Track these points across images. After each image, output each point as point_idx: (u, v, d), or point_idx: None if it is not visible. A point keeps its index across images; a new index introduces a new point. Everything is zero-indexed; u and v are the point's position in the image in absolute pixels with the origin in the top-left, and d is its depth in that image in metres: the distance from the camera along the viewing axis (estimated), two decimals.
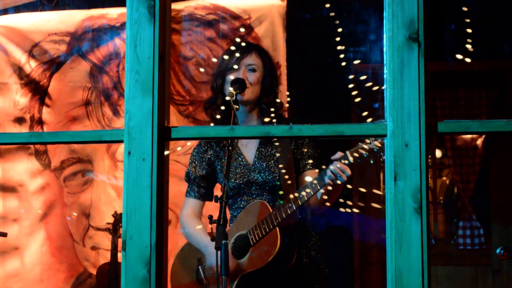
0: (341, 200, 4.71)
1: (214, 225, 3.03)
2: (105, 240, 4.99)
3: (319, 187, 3.30)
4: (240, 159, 3.57)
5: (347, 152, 3.26)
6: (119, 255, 4.73)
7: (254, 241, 3.38)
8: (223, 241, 2.92)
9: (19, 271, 4.99)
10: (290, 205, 3.33)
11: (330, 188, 3.32)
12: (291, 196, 3.35)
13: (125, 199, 2.09)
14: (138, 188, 2.08)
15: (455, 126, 2.05)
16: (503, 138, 5.37)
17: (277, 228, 3.35)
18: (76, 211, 5.07)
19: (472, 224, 5.62)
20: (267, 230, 3.36)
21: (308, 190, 3.31)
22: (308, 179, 3.44)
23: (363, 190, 4.40)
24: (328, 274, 3.60)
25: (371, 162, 3.26)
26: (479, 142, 5.61)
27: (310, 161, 3.54)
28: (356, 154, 3.25)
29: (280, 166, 3.51)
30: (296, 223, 3.46)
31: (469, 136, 5.56)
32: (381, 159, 3.24)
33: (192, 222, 3.65)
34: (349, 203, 4.94)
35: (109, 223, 4.86)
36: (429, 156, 5.86)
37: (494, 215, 5.54)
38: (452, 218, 6.11)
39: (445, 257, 5.61)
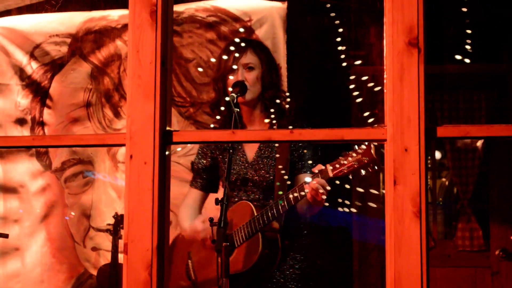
0: (340, 200, 4.71)
1: (215, 227, 3.04)
2: (105, 241, 5.00)
3: (299, 198, 3.27)
4: (241, 155, 3.58)
5: (328, 166, 3.23)
6: (120, 256, 4.73)
7: (238, 243, 3.39)
8: (224, 244, 2.94)
9: (19, 271, 5.00)
10: (272, 211, 3.31)
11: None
12: (274, 202, 3.34)
13: (126, 203, 2.10)
14: (139, 192, 2.09)
15: (454, 130, 2.07)
16: (503, 141, 5.38)
17: (259, 234, 3.35)
18: (77, 212, 5.07)
19: (471, 226, 5.62)
20: (250, 234, 3.36)
21: (290, 197, 3.28)
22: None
23: (361, 190, 4.40)
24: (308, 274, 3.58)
25: (363, 173, 3.18)
26: (478, 144, 5.61)
27: (306, 163, 3.53)
28: (337, 165, 3.21)
29: (279, 166, 3.51)
30: (281, 227, 3.45)
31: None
32: (372, 169, 3.18)
33: (188, 210, 3.68)
34: (347, 202, 4.94)
35: (109, 224, 4.86)
36: (429, 158, 5.87)
37: (493, 217, 5.55)
38: (451, 219, 6.11)
39: (444, 259, 5.62)
